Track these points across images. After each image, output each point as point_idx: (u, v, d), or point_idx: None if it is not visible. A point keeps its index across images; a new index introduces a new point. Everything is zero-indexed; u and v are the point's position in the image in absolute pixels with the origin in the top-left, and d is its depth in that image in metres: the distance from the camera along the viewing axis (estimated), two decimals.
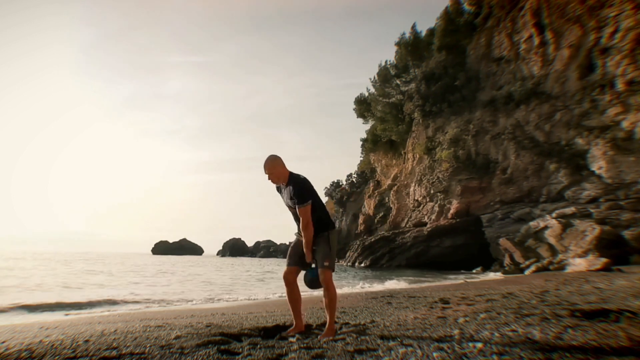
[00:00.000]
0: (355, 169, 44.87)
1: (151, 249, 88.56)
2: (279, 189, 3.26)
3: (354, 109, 37.32)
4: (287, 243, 62.00)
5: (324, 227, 3.12)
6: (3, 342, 2.86)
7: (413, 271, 19.27)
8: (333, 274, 3.08)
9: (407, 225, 27.64)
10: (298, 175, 3.14)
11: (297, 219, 3.15)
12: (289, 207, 3.19)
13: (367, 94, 35.93)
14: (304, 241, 3.06)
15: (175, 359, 2.28)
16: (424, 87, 27.55)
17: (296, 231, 3.25)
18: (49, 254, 48.87)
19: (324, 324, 3.17)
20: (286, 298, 3.24)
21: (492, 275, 15.10)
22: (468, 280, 12.48)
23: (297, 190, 3.04)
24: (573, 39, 19.40)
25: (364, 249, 26.49)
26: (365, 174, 42.18)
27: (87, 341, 2.80)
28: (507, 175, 21.17)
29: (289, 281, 3.17)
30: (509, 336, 2.56)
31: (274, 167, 3.10)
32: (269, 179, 3.13)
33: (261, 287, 12.33)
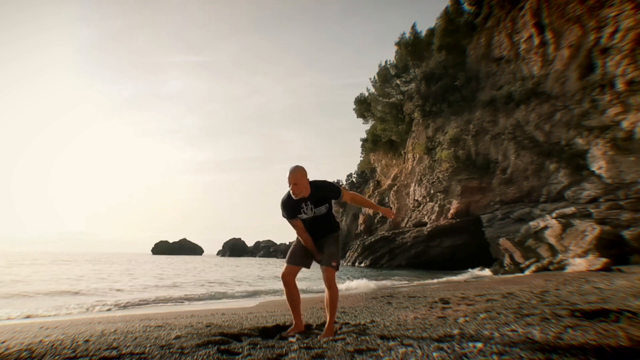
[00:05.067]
0: (355, 169, 44.96)
1: (151, 248, 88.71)
2: (291, 207, 3.06)
3: (354, 109, 37.39)
4: (287, 243, 62.02)
5: (335, 229, 3.20)
6: (3, 342, 2.86)
7: (414, 271, 19.27)
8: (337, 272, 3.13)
9: (407, 225, 27.64)
10: (316, 180, 3.09)
11: (314, 229, 3.14)
12: (311, 220, 3.10)
13: (367, 94, 35.98)
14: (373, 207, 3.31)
15: (175, 359, 2.28)
16: (424, 87, 27.57)
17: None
18: (63, 255, 48.76)
19: (324, 324, 3.17)
20: (285, 298, 3.25)
21: (491, 275, 15.09)
22: (468, 280, 12.48)
23: (329, 185, 3.08)
24: (573, 39, 19.40)
25: (364, 248, 26.50)
26: (365, 174, 42.22)
27: (87, 341, 2.80)
28: (507, 175, 21.17)
29: (288, 281, 3.16)
30: (509, 336, 2.56)
31: (302, 177, 2.94)
32: (292, 190, 2.94)
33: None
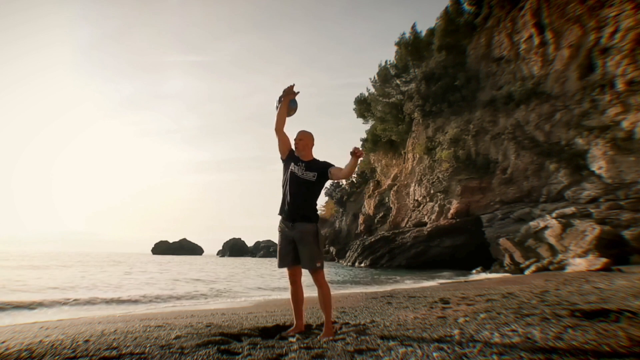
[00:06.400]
0: (355, 169, 44.87)
1: (151, 249, 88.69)
2: (290, 161, 3.21)
3: (354, 109, 37.34)
4: None
5: (313, 218, 3.10)
6: (3, 342, 2.86)
7: (414, 272, 19.29)
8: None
9: (407, 225, 27.64)
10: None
11: (294, 191, 3.10)
12: (297, 179, 3.12)
13: (367, 94, 35.94)
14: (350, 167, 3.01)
15: (175, 359, 2.28)
16: (424, 87, 27.54)
17: (280, 217, 3.20)
18: (74, 256, 48.63)
19: (323, 324, 3.17)
20: (288, 298, 3.24)
21: (492, 275, 15.10)
22: (468, 280, 12.48)
23: (325, 162, 3.21)
24: (573, 39, 19.39)
25: (364, 249, 26.50)
26: (365, 174, 42.16)
27: (87, 341, 2.80)
28: (507, 175, 21.17)
29: (294, 281, 3.16)
30: (509, 336, 2.56)
31: (307, 137, 3.23)
32: (295, 145, 3.22)
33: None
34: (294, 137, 3.25)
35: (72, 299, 7.98)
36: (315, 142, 3.30)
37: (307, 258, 3.00)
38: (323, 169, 3.12)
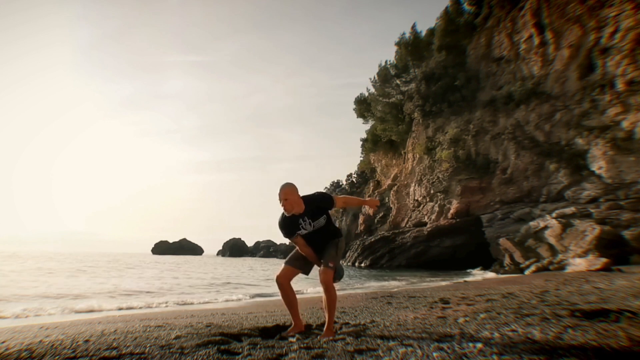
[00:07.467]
0: (355, 169, 44.95)
1: (151, 249, 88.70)
2: (289, 226, 3.08)
3: (354, 109, 37.38)
4: (287, 243, 62.01)
5: (335, 235, 3.22)
6: (3, 342, 2.86)
7: (414, 272, 19.28)
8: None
9: (407, 225, 27.64)
10: (307, 195, 3.11)
11: (316, 242, 3.14)
12: (310, 235, 3.12)
13: (367, 94, 35.98)
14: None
15: (175, 359, 2.28)
16: (424, 87, 27.55)
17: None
18: (81, 258, 48.33)
19: (324, 324, 3.17)
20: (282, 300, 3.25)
21: (492, 275, 15.09)
22: (468, 280, 12.48)
23: (321, 195, 3.12)
24: (573, 39, 19.39)
25: (364, 249, 26.50)
26: (365, 174, 42.20)
27: (87, 341, 2.80)
28: (507, 175, 21.17)
29: (282, 283, 3.16)
30: (509, 336, 2.56)
31: (291, 192, 2.99)
32: (283, 205, 2.99)
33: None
34: (278, 198, 3.01)
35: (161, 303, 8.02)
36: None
37: (324, 258, 3.09)
38: (325, 207, 3.11)
